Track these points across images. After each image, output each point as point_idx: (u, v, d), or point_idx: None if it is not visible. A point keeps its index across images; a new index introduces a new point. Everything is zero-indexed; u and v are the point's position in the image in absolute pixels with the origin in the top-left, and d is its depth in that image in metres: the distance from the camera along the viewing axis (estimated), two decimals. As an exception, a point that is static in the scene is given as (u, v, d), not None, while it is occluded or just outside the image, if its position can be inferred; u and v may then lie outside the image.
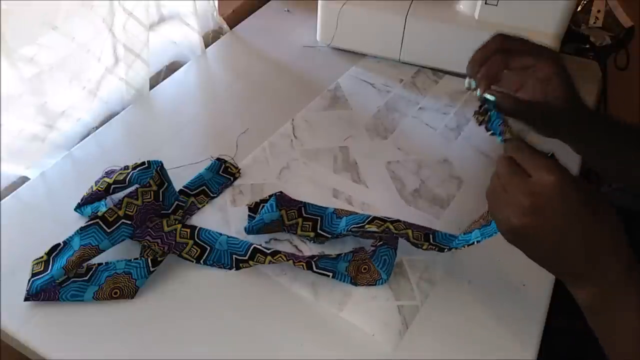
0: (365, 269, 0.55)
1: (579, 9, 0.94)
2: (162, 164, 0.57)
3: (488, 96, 0.50)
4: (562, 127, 0.54)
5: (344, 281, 0.55)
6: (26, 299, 0.51)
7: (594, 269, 0.39)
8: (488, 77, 0.50)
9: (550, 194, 0.38)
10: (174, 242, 0.56)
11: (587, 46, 0.93)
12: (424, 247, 0.55)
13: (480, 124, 0.51)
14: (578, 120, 0.53)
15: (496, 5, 0.77)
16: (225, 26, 0.93)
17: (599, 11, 0.93)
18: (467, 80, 0.52)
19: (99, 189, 0.58)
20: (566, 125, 0.53)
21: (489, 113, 0.50)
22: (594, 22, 0.94)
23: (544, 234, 0.39)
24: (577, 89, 0.52)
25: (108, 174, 0.61)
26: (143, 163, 0.57)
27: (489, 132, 0.50)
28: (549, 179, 0.38)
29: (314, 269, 0.54)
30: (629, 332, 0.39)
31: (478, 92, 0.51)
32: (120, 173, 0.58)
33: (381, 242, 0.57)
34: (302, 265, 0.53)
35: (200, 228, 0.57)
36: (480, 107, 0.52)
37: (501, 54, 0.51)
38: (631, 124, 0.56)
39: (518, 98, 0.51)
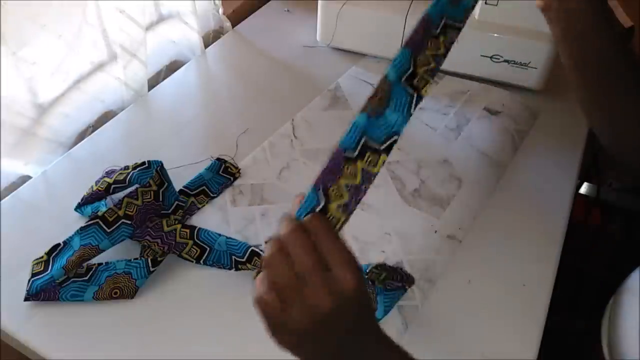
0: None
1: (578, 9, 0.94)
2: (162, 164, 0.57)
3: None
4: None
5: None
6: (26, 299, 0.51)
7: None
8: None
9: (347, 296, 0.31)
10: (173, 242, 0.56)
11: (587, 46, 0.93)
12: None
13: None
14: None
15: (496, 5, 0.77)
16: (227, 24, 0.93)
17: (598, 11, 0.93)
18: None
19: (99, 188, 0.58)
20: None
21: None
22: (594, 22, 0.93)
23: (325, 338, 0.33)
24: None
25: (108, 173, 0.61)
26: (143, 163, 0.57)
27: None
28: (349, 284, 0.31)
29: None
30: None
31: None
32: (121, 173, 0.58)
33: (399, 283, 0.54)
34: None
35: (200, 228, 0.57)
36: None
37: None
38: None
39: None
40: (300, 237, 0.32)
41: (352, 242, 0.59)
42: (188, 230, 0.57)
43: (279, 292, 0.32)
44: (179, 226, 0.57)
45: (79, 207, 0.60)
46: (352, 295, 0.31)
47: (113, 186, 0.57)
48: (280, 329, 0.34)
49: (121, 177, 0.57)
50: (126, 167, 0.59)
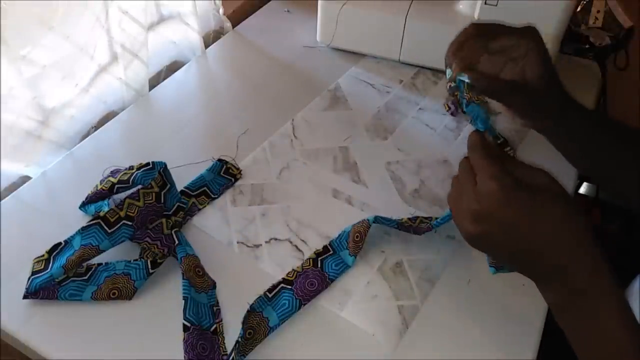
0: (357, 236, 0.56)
1: (578, 9, 0.94)
2: (165, 166, 0.57)
3: (462, 77, 0.48)
4: (537, 105, 0.52)
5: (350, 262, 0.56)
6: (25, 297, 0.51)
7: (553, 272, 0.39)
8: (464, 61, 0.49)
9: (491, 202, 0.38)
10: (173, 245, 0.56)
11: (587, 46, 0.93)
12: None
13: (449, 110, 0.50)
14: (554, 99, 0.51)
15: (496, 5, 0.77)
16: (228, 24, 0.93)
17: (598, 11, 0.93)
18: (447, 71, 0.50)
19: (104, 188, 0.58)
20: (543, 103, 0.51)
21: (458, 95, 0.48)
22: (594, 23, 0.94)
23: (493, 240, 0.40)
24: (553, 68, 0.51)
25: (113, 173, 0.61)
26: (148, 164, 0.57)
27: (470, 121, 0.48)
28: (490, 187, 0.38)
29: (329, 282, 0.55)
30: (593, 335, 0.38)
31: (448, 73, 0.49)
32: (125, 173, 0.58)
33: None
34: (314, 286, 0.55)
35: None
36: (453, 92, 0.49)
37: (477, 38, 0.50)
38: (617, 121, 0.54)
39: (491, 76, 0.50)
40: (462, 162, 0.43)
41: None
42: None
43: (449, 203, 0.44)
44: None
45: (83, 206, 0.61)
46: (492, 199, 0.38)
47: (117, 186, 0.57)
48: (458, 228, 0.42)
49: (125, 177, 0.57)
50: (131, 167, 0.59)
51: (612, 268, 0.38)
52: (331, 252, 0.57)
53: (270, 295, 0.52)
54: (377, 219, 0.57)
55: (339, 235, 0.58)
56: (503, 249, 0.40)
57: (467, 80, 0.47)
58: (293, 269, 0.55)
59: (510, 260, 0.41)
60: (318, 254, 0.57)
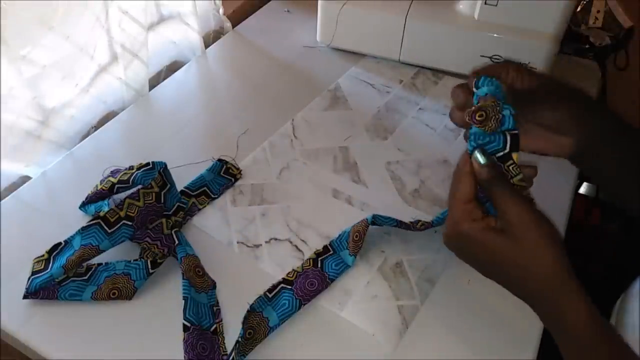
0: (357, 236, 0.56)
1: (578, 9, 0.94)
2: (165, 166, 0.57)
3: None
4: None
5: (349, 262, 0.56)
6: (25, 297, 0.51)
7: (526, 298, 0.43)
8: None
9: (457, 233, 0.43)
10: (173, 245, 0.56)
11: (587, 46, 0.93)
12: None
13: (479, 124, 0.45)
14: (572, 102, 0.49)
15: (496, 5, 0.77)
16: (228, 24, 0.93)
17: (598, 11, 0.93)
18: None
19: (104, 188, 0.58)
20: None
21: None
22: (594, 23, 0.94)
23: (467, 258, 0.44)
24: (549, 77, 0.50)
25: (113, 173, 0.61)
26: (148, 164, 0.57)
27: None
28: (457, 228, 0.43)
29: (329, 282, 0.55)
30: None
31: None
32: (125, 173, 0.58)
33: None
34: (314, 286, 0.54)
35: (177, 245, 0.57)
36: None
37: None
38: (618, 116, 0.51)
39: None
40: (458, 165, 0.45)
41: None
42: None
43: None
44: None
45: (83, 206, 0.61)
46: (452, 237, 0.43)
47: (117, 186, 0.58)
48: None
49: (125, 177, 0.57)
50: (131, 167, 0.59)
51: (584, 296, 0.40)
52: (331, 252, 0.57)
53: (270, 295, 0.52)
54: (376, 218, 0.57)
55: (339, 236, 0.58)
56: (479, 268, 0.44)
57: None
58: (293, 269, 0.55)
59: (490, 276, 0.45)
60: (318, 254, 0.57)
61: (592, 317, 0.39)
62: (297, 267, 0.55)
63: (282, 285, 0.54)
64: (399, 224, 0.57)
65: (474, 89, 0.45)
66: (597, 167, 0.51)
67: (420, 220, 0.58)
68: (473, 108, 0.42)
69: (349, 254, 0.56)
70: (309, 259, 0.56)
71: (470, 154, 0.44)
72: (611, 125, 0.49)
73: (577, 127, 0.48)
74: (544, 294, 0.40)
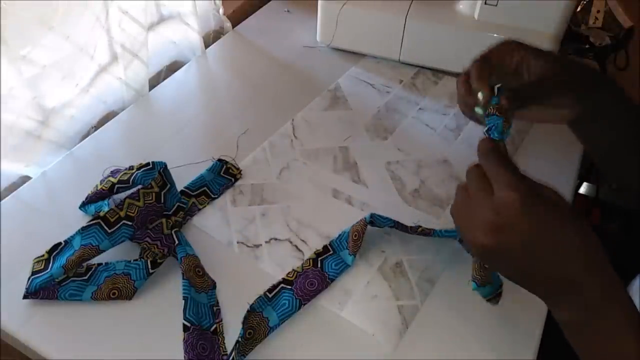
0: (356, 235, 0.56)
1: (578, 9, 0.94)
2: (165, 166, 0.57)
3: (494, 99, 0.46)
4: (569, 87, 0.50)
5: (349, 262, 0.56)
6: (25, 297, 0.51)
7: (568, 288, 0.37)
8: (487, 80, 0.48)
9: (512, 212, 0.37)
10: (173, 245, 0.56)
11: (587, 46, 0.93)
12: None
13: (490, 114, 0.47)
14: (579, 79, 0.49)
15: (496, 5, 0.77)
16: (228, 24, 0.93)
17: (598, 11, 0.93)
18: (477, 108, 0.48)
19: (104, 188, 0.58)
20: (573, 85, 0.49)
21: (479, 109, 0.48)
22: (594, 23, 0.94)
23: (510, 253, 0.38)
24: (558, 56, 0.50)
25: (113, 173, 0.61)
26: (148, 164, 0.57)
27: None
28: (511, 197, 0.37)
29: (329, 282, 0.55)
30: (609, 353, 0.37)
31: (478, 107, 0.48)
32: (125, 173, 0.58)
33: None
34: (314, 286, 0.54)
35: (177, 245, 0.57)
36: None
37: (483, 64, 0.50)
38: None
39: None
40: (472, 170, 0.42)
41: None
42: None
43: (455, 214, 0.43)
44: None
45: (83, 206, 0.61)
46: (512, 210, 0.37)
47: (117, 186, 0.58)
48: (468, 241, 0.41)
49: (125, 177, 0.57)
50: (131, 167, 0.59)
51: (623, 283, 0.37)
52: (331, 252, 0.57)
53: (270, 295, 0.52)
54: (374, 217, 0.56)
55: (339, 236, 0.58)
56: (518, 263, 0.38)
57: (495, 102, 0.46)
58: (293, 269, 0.55)
59: (523, 276, 0.40)
60: (318, 254, 0.57)
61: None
62: (297, 267, 0.55)
63: (282, 285, 0.54)
64: (397, 225, 0.57)
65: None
66: (593, 137, 0.52)
67: (420, 226, 0.58)
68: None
69: (349, 254, 0.56)
70: (309, 259, 0.56)
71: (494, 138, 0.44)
72: (612, 100, 0.49)
73: (578, 104, 0.49)
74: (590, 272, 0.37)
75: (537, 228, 0.37)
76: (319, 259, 0.56)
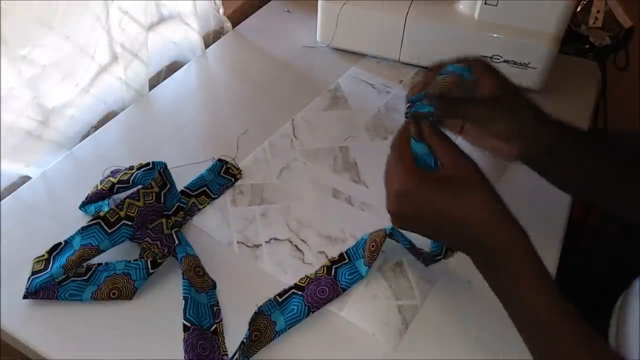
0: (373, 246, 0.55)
1: (578, 9, 0.94)
2: (165, 166, 0.57)
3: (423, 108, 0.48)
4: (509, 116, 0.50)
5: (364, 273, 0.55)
6: (25, 297, 0.51)
7: (475, 247, 0.43)
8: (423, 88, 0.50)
9: (408, 182, 0.43)
10: (173, 245, 0.56)
11: (587, 46, 0.93)
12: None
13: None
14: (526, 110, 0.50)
15: (496, 5, 0.77)
16: (228, 24, 0.93)
17: (598, 11, 0.93)
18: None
19: (104, 188, 0.58)
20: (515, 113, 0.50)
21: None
22: (594, 23, 0.94)
23: (413, 218, 0.44)
24: (514, 85, 0.51)
25: (113, 173, 0.61)
26: (148, 164, 0.57)
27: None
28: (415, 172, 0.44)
29: (341, 291, 0.54)
30: (515, 305, 0.42)
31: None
32: (125, 173, 0.58)
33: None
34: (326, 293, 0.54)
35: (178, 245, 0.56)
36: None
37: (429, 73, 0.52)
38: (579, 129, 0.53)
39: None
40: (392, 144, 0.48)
41: (351, 242, 0.59)
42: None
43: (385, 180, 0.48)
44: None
45: (83, 206, 0.61)
46: (410, 181, 0.43)
47: (117, 186, 0.58)
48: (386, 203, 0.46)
49: (125, 177, 0.57)
50: (131, 167, 0.59)
51: (530, 244, 0.41)
52: (346, 260, 0.56)
53: (280, 300, 0.52)
54: (394, 232, 0.55)
55: (356, 243, 0.58)
56: (423, 227, 0.44)
57: (426, 110, 0.47)
58: (306, 275, 0.55)
59: (436, 237, 0.47)
60: (333, 261, 0.56)
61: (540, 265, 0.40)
62: (311, 274, 0.55)
63: (293, 290, 0.53)
64: (412, 248, 0.55)
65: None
66: (547, 171, 0.53)
67: (436, 256, 0.55)
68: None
69: (364, 264, 0.55)
70: (324, 266, 0.56)
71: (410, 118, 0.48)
72: (560, 137, 0.50)
73: (525, 139, 0.50)
74: (485, 235, 0.41)
75: (429, 199, 0.42)
76: (334, 267, 0.56)
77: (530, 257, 0.41)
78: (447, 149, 0.44)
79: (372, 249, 0.55)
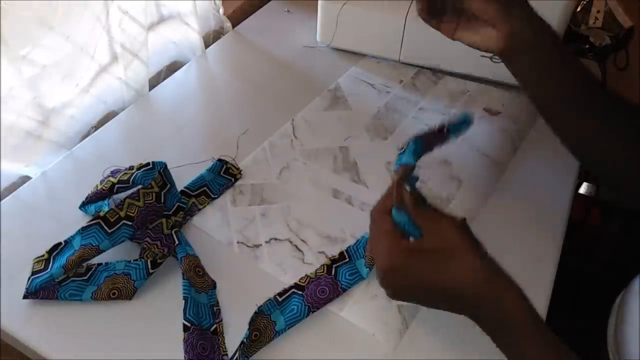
0: None
1: (578, 9, 0.94)
2: (165, 166, 0.57)
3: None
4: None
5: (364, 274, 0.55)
6: (25, 297, 0.51)
7: (470, 315, 0.43)
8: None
9: (395, 261, 0.42)
10: (173, 245, 0.56)
11: (587, 46, 0.93)
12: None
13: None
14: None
15: (496, 5, 0.77)
16: (228, 24, 0.93)
17: (598, 11, 0.93)
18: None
19: (104, 188, 0.58)
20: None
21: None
22: (594, 22, 0.94)
23: (406, 292, 0.44)
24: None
25: (113, 173, 0.61)
26: (148, 164, 0.57)
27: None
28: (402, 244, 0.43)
29: (342, 291, 0.54)
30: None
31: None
32: (125, 173, 0.58)
33: None
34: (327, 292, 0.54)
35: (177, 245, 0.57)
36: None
37: None
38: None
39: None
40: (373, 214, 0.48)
41: (351, 242, 0.59)
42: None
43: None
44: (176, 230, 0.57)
45: (83, 206, 0.61)
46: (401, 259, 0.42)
47: (117, 186, 0.58)
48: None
49: (125, 177, 0.57)
50: (131, 167, 0.59)
51: (522, 298, 0.41)
52: (347, 259, 0.56)
53: (280, 299, 0.52)
54: None
55: (357, 242, 0.58)
56: (418, 298, 0.44)
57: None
58: (306, 275, 0.55)
59: (433, 306, 0.45)
60: (334, 260, 0.56)
61: (531, 311, 0.40)
62: (311, 273, 0.55)
63: (293, 290, 0.53)
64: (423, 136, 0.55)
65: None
66: (525, 69, 0.51)
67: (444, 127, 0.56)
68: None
69: (365, 266, 0.55)
70: (324, 265, 0.56)
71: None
72: (538, 26, 0.49)
73: (507, 21, 0.48)
74: (477, 298, 0.41)
75: (417, 274, 0.42)
76: (334, 266, 0.55)
77: (524, 312, 0.40)
78: (428, 220, 0.44)
79: None
